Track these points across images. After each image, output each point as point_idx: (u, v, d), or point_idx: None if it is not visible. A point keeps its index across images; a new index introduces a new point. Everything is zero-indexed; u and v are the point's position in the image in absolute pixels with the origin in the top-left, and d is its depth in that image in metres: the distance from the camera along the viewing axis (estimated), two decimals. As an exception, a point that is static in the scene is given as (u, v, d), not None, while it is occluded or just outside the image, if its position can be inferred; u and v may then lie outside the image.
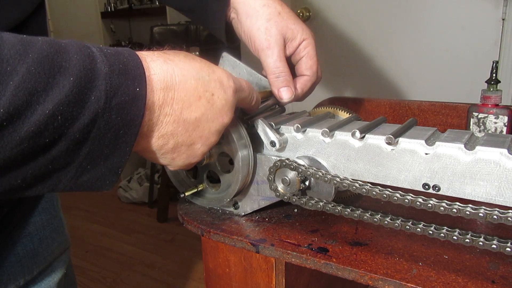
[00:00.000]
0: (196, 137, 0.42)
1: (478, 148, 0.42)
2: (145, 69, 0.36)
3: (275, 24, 0.57)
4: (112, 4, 3.31)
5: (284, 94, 0.58)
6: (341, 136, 0.50)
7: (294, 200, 0.52)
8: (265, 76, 0.60)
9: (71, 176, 0.34)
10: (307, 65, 0.58)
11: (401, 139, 0.46)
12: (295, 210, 0.60)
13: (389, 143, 0.46)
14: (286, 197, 0.53)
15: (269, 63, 0.58)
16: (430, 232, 0.45)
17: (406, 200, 0.44)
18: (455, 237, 0.43)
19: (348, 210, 0.49)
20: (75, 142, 0.33)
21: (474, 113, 0.73)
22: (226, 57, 0.63)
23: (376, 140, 0.47)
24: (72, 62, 0.32)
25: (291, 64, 0.61)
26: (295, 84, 0.60)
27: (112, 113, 0.34)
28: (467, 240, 0.43)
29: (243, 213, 0.59)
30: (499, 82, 0.73)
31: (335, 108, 0.64)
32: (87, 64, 0.33)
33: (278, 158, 0.53)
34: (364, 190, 0.47)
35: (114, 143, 0.35)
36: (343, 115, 0.63)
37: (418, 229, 0.45)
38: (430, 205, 0.43)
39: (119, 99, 0.34)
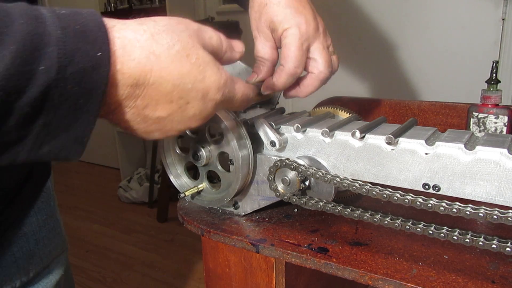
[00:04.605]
0: (154, 129, 0.39)
1: (478, 148, 0.42)
2: (113, 42, 0.32)
3: (260, 16, 0.58)
4: (112, 4, 3.31)
5: (250, 76, 0.58)
6: (341, 136, 0.50)
7: (294, 200, 0.52)
8: None
9: (29, 148, 0.32)
10: (282, 55, 0.58)
11: (401, 139, 0.46)
12: (295, 210, 0.60)
13: (389, 143, 0.46)
14: (286, 197, 0.53)
15: (255, 51, 0.59)
16: (430, 232, 0.45)
17: (406, 200, 0.44)
18: (455, 237, 0.43)
19: (348, 210, 0.49)
20: (25, 116, 0.29)
21: (474, 113, 0.73)
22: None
23: (376, 140, 0.47)
24: (13, 27, 0.27)
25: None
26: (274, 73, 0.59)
27: (67, 83, 0.30)
28: (467, 240, 0.43)
29: (243, 213, 0.59)
30: (499, 82, 0.72)
31: (335, 108, 0.64)
32: (32, 28, 0.28)
33: (278, 158, 0.53)
34: (364, 190, 0.47)
35: (74, 113, 0.31)
36: (343, 115, 0.63)
37: (418, 229, 0.45)
38: (430, 205, 0.43)
39: (76, 67, 0.30)
